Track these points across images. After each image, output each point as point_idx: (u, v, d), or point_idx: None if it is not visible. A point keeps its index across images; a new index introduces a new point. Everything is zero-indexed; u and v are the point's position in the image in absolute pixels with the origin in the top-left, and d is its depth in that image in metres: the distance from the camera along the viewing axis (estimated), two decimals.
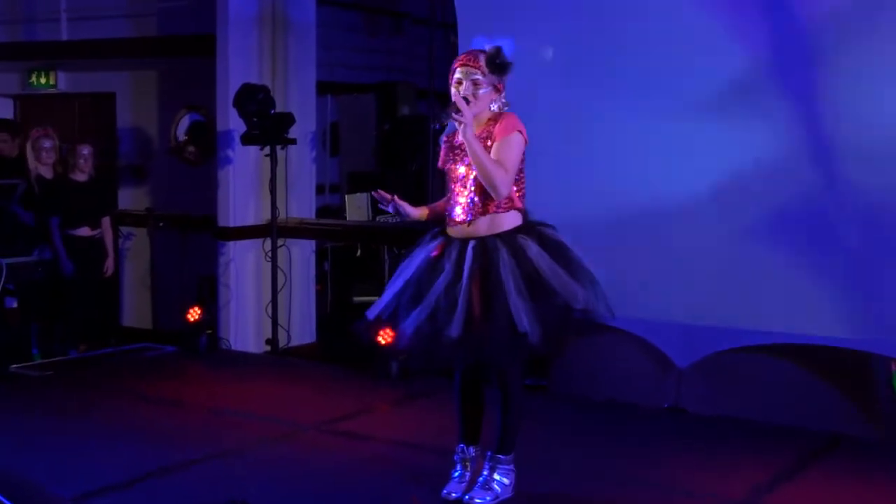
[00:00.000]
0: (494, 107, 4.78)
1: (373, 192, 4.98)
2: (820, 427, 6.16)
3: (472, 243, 4.70)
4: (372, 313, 4.92)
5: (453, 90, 4.76)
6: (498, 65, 4.73)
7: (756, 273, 6.36)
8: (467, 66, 4.73)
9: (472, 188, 4.75)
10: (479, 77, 4.71)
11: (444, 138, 4.92)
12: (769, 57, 6.26)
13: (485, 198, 4.72)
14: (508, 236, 4.70)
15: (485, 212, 4.72)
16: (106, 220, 8.56)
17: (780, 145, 6.23)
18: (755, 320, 6.38)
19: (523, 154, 4.76)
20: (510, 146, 4.69)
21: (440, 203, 5.01)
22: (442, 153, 4.94)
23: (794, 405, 6.34)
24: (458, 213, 4.78)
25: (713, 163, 6.42)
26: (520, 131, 4.71)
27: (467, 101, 4.69)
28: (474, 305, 4.59)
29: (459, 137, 4.76)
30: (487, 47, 4.76)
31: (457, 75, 4.76)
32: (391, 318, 4.82)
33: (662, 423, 6.56)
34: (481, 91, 4.72)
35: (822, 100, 6.09)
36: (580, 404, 6.88)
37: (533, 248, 4.66)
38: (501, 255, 4.63)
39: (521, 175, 4.79)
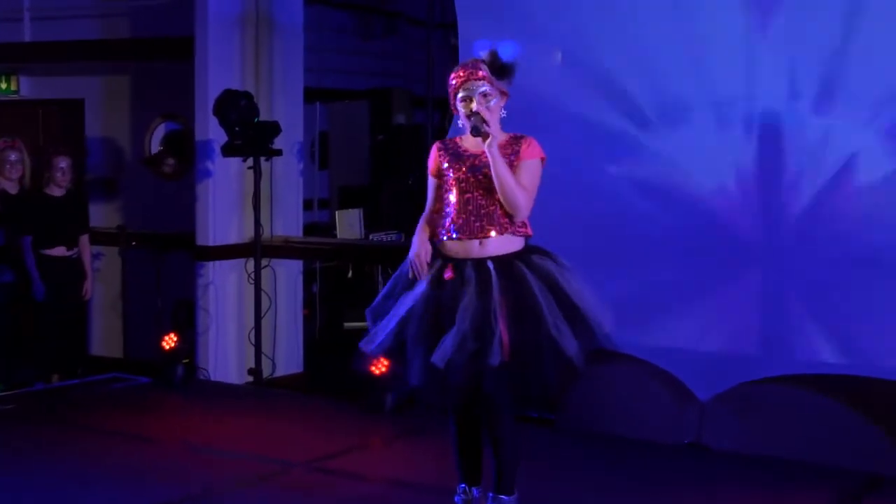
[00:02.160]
0: (504, 114, 4.84)
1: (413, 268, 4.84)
2: (858, 466, 6.14)
3: (490, 263, 4.71)
4: (368, 346, 4.89)
5: (462, 109, 4.76)
6: (501, 69, 4.76)
7: (785, 298, 6.35)
8: (470, 80, 4.76)
9: (493, 210, 4.76)
10: (488, 88, 4.76)
11: (437, 145, 4.91)
12: (786, 68, 6.27)
13: (502, 215, 4.75)
14: (524, 256, 4.76)
15: (499, 233, 4.75)
16: (84, 239, 8.56)
17: (804, 166, 6.25)
18: (785, 349, 6.36)
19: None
20: (535, 171, 4.80)
21: (428, 219, 4.93)
22: (434, 159, 4.91)
23: (830, 442, 6.32)
24: (465, 223, 4.76)
25: (737, 180, 6.43)
26: (542, 158, 4.83)
27: (488, 122, 4.74)
28: (502, 331, 4.58)
29: (464, 144, 4.80)
30: (482, 54, 4.79)
31: (461, 94, 4.77)
32: (394, 352, 4.79)
33: (683, 461, 6.53)
34: (493, 102, 4.78)
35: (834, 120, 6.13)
36: (591, 440, 6.86)
37: (553, 267, 4.73)
38: (529, 278, 4.67)
39: None
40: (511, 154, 4.78)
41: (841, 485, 5.92)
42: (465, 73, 4.77)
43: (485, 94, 4.74)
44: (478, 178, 4.77)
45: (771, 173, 6.39)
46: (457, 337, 4.59)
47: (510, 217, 4.75)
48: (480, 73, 4.74)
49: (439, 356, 4.59)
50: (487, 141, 4.68)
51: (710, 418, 6.71)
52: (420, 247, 4.85)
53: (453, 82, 4.80)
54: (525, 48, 6.22)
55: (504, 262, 4.71)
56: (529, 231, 4.84)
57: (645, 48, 6.65)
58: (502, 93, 4.80)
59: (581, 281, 4.78)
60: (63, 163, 8.37)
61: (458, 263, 4.75)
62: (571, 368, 4.61)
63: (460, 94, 4.78)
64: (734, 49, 6.41)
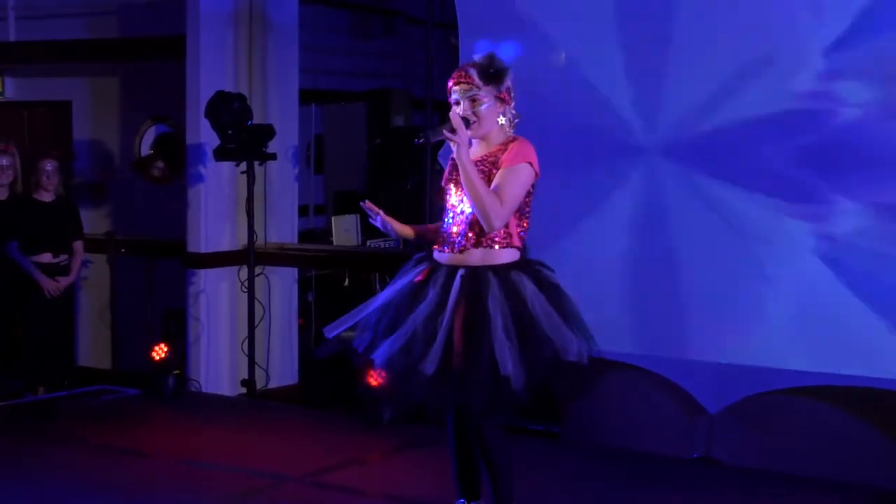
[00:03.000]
0: (504, 121, 4.81)
1: (361, 203, 5.01)
2: (874, 482, 6.14)
3: (461, 272, 4.72)
4: (332, 332, 4.98)
5: (453, 110, 4.78)
6: (492, 74, 4.76)
7: (798, 306, 6.35)
8: (461, 83, 4.78)
9: (469, 215, 4.76)
10: (476, 93, 4.75)
11: (452, 154, 4.91)
12: (800, 74, 6.29)
13: (480, 228, 4.74)
14: (503, 270, 4.72)
15: (478, 244, 4.74)
16: (78, 245, 8.57)
17: (818, 176, 6.27)
18: (797, 359, 6.36)
19: (532, 188, 4.79)
20: (515, 177, 4.70)
21: (432, 227, 5.06)
22: (447, 170, 4.97)
23: (844, 456, 6.32)
24: (449, 238, 4.80)
25: (747, 190, 6.44)
26: (530, 162, 4.73)
27: (468, 123, 4.72)
28: (456, 340, 4.60)
29: (454, 153, 4.78)
30: (476, 57, 4.81)
31: (454, 96, 4.81)
32: (367, 344, 4.82)
33: (691, 475, 6.54)
34: (483, 108, 4.76)
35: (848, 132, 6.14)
36: (596, 454, 6.87)
37: (529, 287, 4.68)
38: (492, 289, 4.64)
39: (527, 210, 4.83)
40: (493, 159, 4.76)
41: (855, 500, 5.92)
42: (456, 77, 4.80)
43: (473, 99, 4.74)
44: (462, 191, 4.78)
45: (783, 180, 6.38)
46: (401, 339, 4.65)
47: (487, 229, 4.70)
48: (471, 77, 4.75)
49: (380, 354, 4.68)
50: (454, 148, 4.67)
51: (719, 431, 6.72)
52: (398, 226, 5.00)
53: (449, 84, 4.84)
54: (526, 48, 6.25)
55: (475, 273, 4.70)
56: (515, 242, 4.78)
57: (650, 48, 6.65)
58: (500, 98, 4.79)
59: (567, 305, 4.72)
60: (49, 166, 8.38)
61: (435, 269, 4.79)
62: (505, 387, 4.52)
63: (452, 97, 4.82)
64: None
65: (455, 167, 4.87)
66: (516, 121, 4.86)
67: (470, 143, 4.76)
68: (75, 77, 9.77)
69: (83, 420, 7.79)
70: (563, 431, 7.23)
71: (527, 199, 4.79)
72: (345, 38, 13.35)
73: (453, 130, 4.66)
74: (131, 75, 9.59)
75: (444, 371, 4.58)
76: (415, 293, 4.78)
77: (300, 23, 9.36)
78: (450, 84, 4.82)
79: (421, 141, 4.82)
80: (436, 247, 4.87)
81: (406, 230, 5.08)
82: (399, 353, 4.67)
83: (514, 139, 4.80)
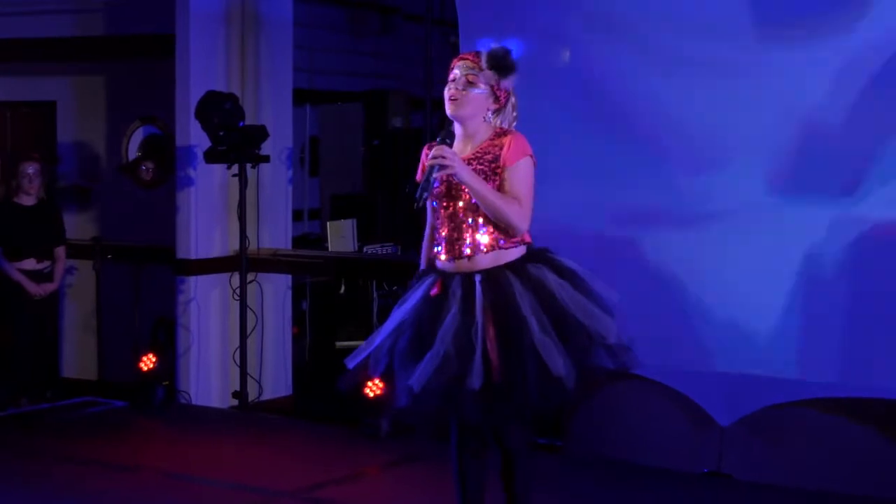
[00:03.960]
0: (490, 118, 4.78)
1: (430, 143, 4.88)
2: (890, 496, 6.14)
3: (477, 277, 4.68)
4: (353, 362, 4.90)
5: (445, 91, 4.74)
6: (498, 63, 4.73)
7: (811, 315, 6.36)
8: (465, 60, 4.77)
9: (481, 222, 4.73)
10: (475, 73, 4.73)
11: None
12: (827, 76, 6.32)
13: (492, 231, 4.71)
14: (519, 267, 4.70)
15: (490, 247, 4.71)
16: (60, 251, 8.59)
17: (826, 184, 6.29)
18: (811, 369, 6.37)
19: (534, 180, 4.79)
20: (523, 174, 4.71)
21: (429, 240, 4.97)
22: (421, 163, 4.89)
23: (859, 470, 6.33)
24: (455, 246, 4.76)
25: (759, 192, 6.46)
26: (530, 155, 4.73)
27: (456, 103, 4.69)
28: (490, 350, 4.55)
29: (456, 180, 4.72)
30: (492, 45, 4.78)
31: (454, 71, 4.78)
32: (384, 371, 4.79)
33: (701, 491, 6.55)
34: (475, 91, 4.73)
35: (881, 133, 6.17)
36: (602, 468, 6.87)
37: (551, 279, 4.66)
38: (517, 289, 4.61)
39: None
40: (492, 161, 4.72)
41: None
42: (465, 55, 4.81)
43: (468, 79, 4.71)
44: (460, 188, 4.74)
45: (796, 188, 6.39)
46: (435, 359, 4.57)
47: (501, 229, 4.69)
48: (478, 58, 4.73)
49: (416, 379, 4.57)
50: (456, 173, 4.60)
51: (730, 445, 6.72)
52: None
53: (453, 63, 4.82)
54: (529, 47, 6.25)
55: (492, 276, 4.66)
56: (526, 238, 4.77)
57: (657, 46, 6.67)
58: (493, 93, 4.75)
59: (591, 287, 4.71)
60: (30, 168, 8.39)
61: (447, 279, 4.75)
62: (559, 389, 4.51)
63: (451, 74, 4.78)
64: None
65: (450, 185, 4.79)
66: (513, 124, 4.84)
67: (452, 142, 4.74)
68: (60, 76, 9.78)
69: (67, 434, 7.79)
70: (566, 445, 7.23)
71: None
72: (341, 37, 13.38)
73: (443, 166, 4.59)
74: (118, 74, 9.60)
75: (487, 385, 4.51)
76: (436, 308, 4.70)
77: (294, 20, 9.37)
78: (454, 61, 4.81)
79: (421, 204, 4.73)
80: (439, 257, 4.83)
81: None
82: (435, 374, 4.56)
83: (503, 132, 4.77)
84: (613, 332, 4.63)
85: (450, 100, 4.74)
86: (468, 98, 4.74)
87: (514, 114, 4.86)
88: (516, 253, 4.75)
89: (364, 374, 4.92)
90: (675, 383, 6.79)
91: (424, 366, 4.58)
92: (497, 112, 4.81)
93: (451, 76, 4.78)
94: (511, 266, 4.70)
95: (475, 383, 4.49)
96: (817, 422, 6.50)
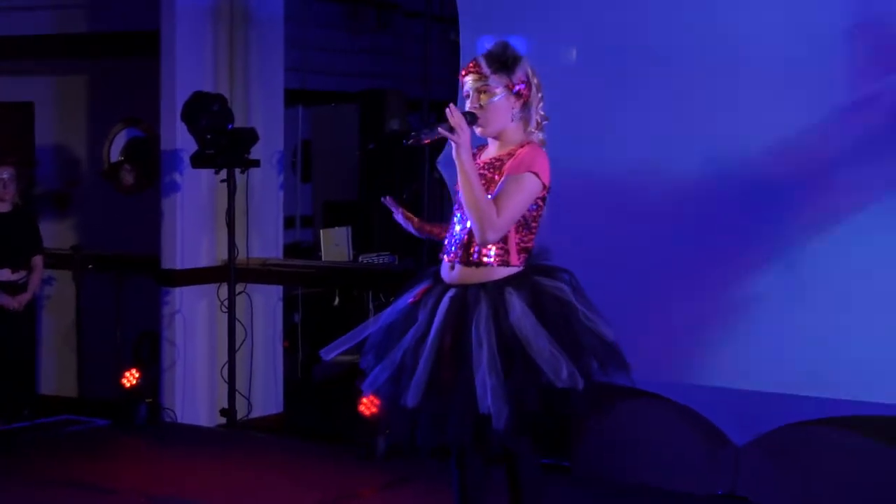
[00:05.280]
0: (517, 120, 4.74)
1: (382, 198, 5.01)
2: None
3: (450, 293, 4.70)
4: (329, 354, 5.00)
5: (451, 104, 4.69)
6: (502, 61, 4.70)
7: (832, 329, 6.36)
8: (470, 73, 4.75)
9: (464, 227, 4.75)
10: (485, 82, 4.69)
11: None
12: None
13: (471, 242, 4.70)
14: (495, 288, 4.64)
15: (467, 260, 4.70)
16: (37, 260, 8.60)
17: (846, 198, 6.31)
18: (832, 386, 6.38)
19: (541, 202, 4.72)
20: (517, 187, 4.63)
21: (439, 228, 5.06)
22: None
23: (885, 494, 6.33)
24: (449, 247, 4.79)
25: (772, 213, 6.49)
26: (536, 173, 4.64)
27: (474, 119, 4.66)
28: (442, 369, 4.58)
29: (479, 156, 4.76)
30: (488, 45, 4.78)
31: (466, 88, 4.76)
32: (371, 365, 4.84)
33: None
34: (495, 99, 4.69)
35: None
36: (610, 490, 6.89)
37: (516, 308, 4.58)
38: (480, 312, 4.58)
39: (533, 225, 4.74)
40: (499, 164, 4.72)
41: None
42: (467, 67, 4.77)
43: (480, 90, 4.69)
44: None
45: (810, 202, 6.41)
46: (387, 367, 4.69)
47: (479, 242, 4.65)
48: (480, 65, 4.70)
49: (368, 383, 4.73)
50: (454, 147, 4.57)
51: (746, 465, 6.72)
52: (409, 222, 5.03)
53: (460, 76, 4.81)
54: (534, 44, 6.27)
55: (463, 294, 4.65)
56: (513, 260, 4.69)
57: (665, 44, 6.68)
58: (509, 89, 4.70)
59: (571, 320, 4.63)
60: (5, 173, 8.41)
61: (429, 288, 4.79)
62: (485, 426, 4.48)
63: (465, 90, 4.77)
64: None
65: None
66: (544, 122, 4.80)
67: (475, 144, 4.73)
68: (38, 76, 9.80)
69: (45, 454, 7.78)
70: (573, 466, 7.24)
71: (534, 214, 4.70)
72: (335, 34, 13.39)
73: (451, 129, 4.56)
74: (100, 74, 9.62)
75: (426, 404, 4.57)
76: (407, 316, 4.78)
77: (286, 16, 9.38)
78: (461, 75, 4.79)
79: (410, 141, 4.69)
80: (443, 248, 4.85)
81: (433, 229, 5.07)
82: (387, 382, 4.69)
83: (524, 144, 4.72)
84: (563, 373, 4.49)
85: (469, 115, 4.67)
86: (489, 113, 4.70)
87: (540, 94, 4.79)
88: (500, 273, 4.68)
89: (340, 367, 5.01)
90: (687, 400, 6.79)
91: (378, 372, 4.72)
92: (525, 105, 4.76)
93: (465, 91, 4.77)
94: (488, 286, 4.65)
95: (410, 401, 4.57)
96: (837, 441, 6.50)
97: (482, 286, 4.65)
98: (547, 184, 4.69)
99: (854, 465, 6.45)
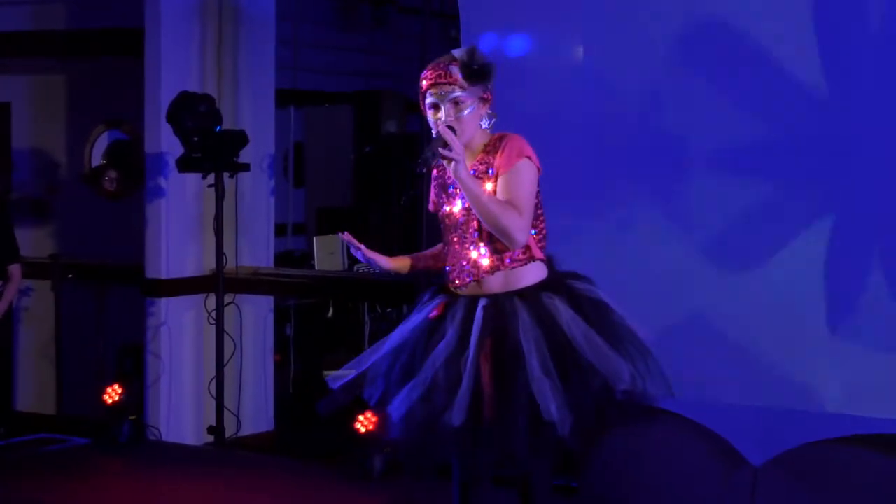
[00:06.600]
0: (485, 124, 4.81)
1: (339, 234, 5.02)
2: None
3: (482, 302, 4.70)
4: (337, 383, 4.93)
5: (430, 117, 4.77)
6: (477, 71, 4.74)
7: (853, 343, 6.34)
8: (439, 84, 4.76)
9: (476, 238, 4.76)
10: (459, 94, 4.73)
11: (434, 174, 4.92)
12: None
13: (494, 249, 4.73)
14: (531, 295, 4.70)
15: (494, 268, 4.73)
16: (14, 269, 8.56)
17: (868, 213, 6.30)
18: (855, 402, 6.36)
19: (538, 186, 4.77)
20: (520, 179, 4.69)
21: (433, 251, 5.08)
22: (432, 194, 4.98)
23: None
24: (459, 271, 4.79)
25: (790, 223, 6.48)
26: (528, 157, 4.72)
27: (454, 130, 4.68)
28: (484, 384, 4.56)
29: (451, 173, 4.75)
30: (457, 53, 4.79)
31: (429, 99, 4.79)
32: (378, 398, 4.80)
33: None
34: (466, 112, 4.74)
35: None
36: None
37: (564, 312, 4.65)
38: (521, 320, 4.62)
39: (539, 213, 4.82)
40: (485, 167, 4.75)
41: None
42: (434, 76, 4.78)
43: (456, 102, 4.73)
44: (464, 208, 4.77)
45: (835, 212, 6.41)
46: (420, 387, 4.62)
47: (501, 246, 4.70)
48: (452, 75, 4.73)
49: (396, 407, 4.64)
50: (452, 166, 4.60)
51: (764, 486, 6.70)
52: (386, 261, 5.06)
53: (423, 84, 4.82)
54: (538, 41, 6.26)
55: (499, 302, 4.68)
56: (537, 254, 4.78)
57: (672, 43, 6.67)
58: (482, 99, 4.77)
59: (614, 322, 4.72)
60: None
61: (452, 301, 4.79)
62: (550, 434, 4.49)
63: (428, 100, 4.79)
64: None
65: (443, 189, 4.88)
66: (493, 121, 4.85)
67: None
68: (15, 75, 9.80)
69: (22, 474, 7.78)
70: (581, 486, 7.22)
71: (537, 201, 4.78)
72: (329, 31, 13.40)
73: (446, 146, 4.59)
74: (80, 73, 9.62)
75: (474, 422, 4.53)
76: (430, 332, 4.76)
77: (277, 13, 9.41)
78: (424, 85, 4.81)
79: (424, 170, 4.73)
80: (448, 275, 4.84)
81: (398, 263, 5.09)
82: (418, 403, 4.62)
83: (499, 137, 4.78)
84: (626, 376, 4.59)
85: (451, 130, 4.68)
86: (464, 124, 4.73)
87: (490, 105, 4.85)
88: (531, 274, 4.76)
89: (350, 396, 4.94)
90: (702, 417, 6.78)
91: (407, 393, 4.64)
92: (489, 107, 4.83)
93: (428, 103, 4.78)
94: (522, 293, 4.70)
95: (456, 419, 4.52)
96: (861, 461, 6.49)
97: (516, 294, 4.69)
98: (539, 166, 4.76)
99: (882, 486, 6.42)
